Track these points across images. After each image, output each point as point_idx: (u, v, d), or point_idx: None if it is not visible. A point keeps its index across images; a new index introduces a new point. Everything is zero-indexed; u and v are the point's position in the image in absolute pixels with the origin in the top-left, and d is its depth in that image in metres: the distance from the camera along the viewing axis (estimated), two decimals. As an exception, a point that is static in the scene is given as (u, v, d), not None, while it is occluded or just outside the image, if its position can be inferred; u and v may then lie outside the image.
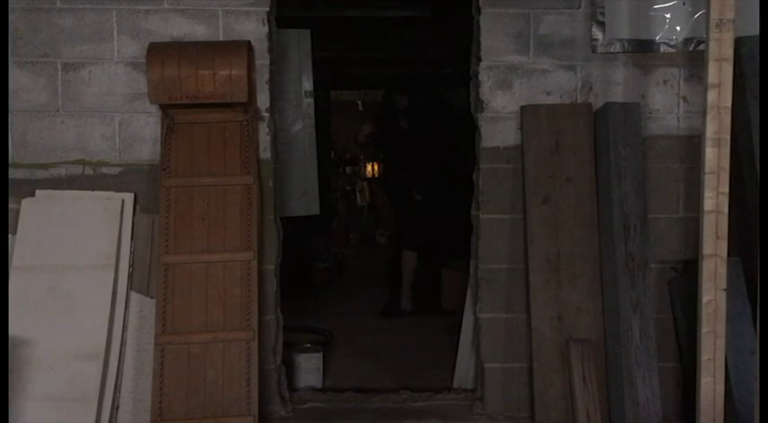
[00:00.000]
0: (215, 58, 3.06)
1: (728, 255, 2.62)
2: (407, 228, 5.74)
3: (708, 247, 2.60)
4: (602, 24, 3.31)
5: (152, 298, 3.15)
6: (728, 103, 2.58)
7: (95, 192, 3.25)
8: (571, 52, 3.35)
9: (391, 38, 6.16)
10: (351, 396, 3.63)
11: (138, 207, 3.28)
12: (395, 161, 5.90)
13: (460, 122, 5.60)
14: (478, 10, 3.38)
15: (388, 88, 5.76)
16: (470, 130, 3.55)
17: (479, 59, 3.38)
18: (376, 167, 5.92)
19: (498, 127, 3.37)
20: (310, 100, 4.42)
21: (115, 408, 3.12)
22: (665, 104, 3.37)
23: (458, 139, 5.56)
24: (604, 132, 3.21)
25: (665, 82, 3.37)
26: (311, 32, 4.38)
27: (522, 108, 3.33)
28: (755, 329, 2.61)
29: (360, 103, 10.42)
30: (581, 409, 3.07)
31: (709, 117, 2.59)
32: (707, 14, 2.61)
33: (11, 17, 3.17)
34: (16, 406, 2.93)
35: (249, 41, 3.21)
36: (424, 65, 7.17)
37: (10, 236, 3.15)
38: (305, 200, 4.44)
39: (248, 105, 3.17)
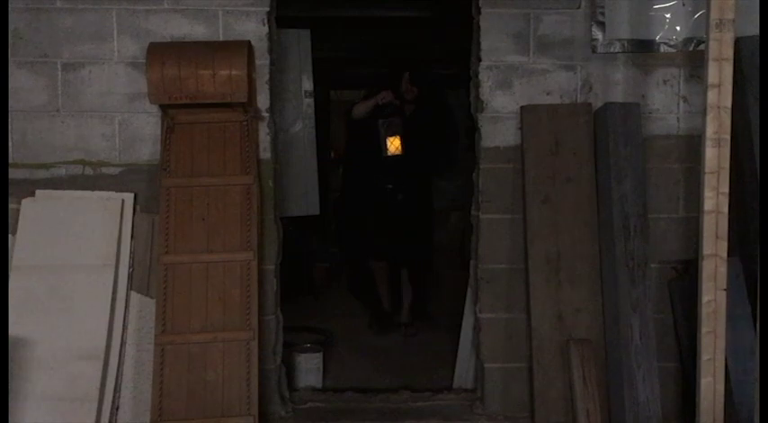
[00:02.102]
0: (215, 58, 3.06)
1: (728, 255, 2.62)
2: (366, 234, 5.16)
3: (708, 247, 2.60)
4: (602, 24, 3.31)
5: (152, 298, 3.15)
6: (728, 103, 2.59)
7: (95, 192, 3.25)
8: (571, 52, 3.35)
9: (391, 38, 6.16)
10: (351, 396, 3.63)
11: (138, 207, 3.27)
12: (359, 151, 5.15)
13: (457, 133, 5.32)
14: (478, 10, 3.38)
15: (401, 70, 4.88)
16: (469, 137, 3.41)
17: (479, 59, 3.38)
18: (398, 143, 4.91)
19: (498, 127, 3.37)
20: (310, 100, 4.42)
21: (115, 408, 3.12)
22: (665, 104, 3.37)
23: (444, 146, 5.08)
24: (604, 132, 3.21)
25: (665, 82, 3.37)
26: (311, 32, 4.39)
27: (522, 108, 3.33)
28: (755, 329, 2.61)
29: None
30: (581, 409, 3.07)
31: (709, 117, 2.59)
32: (707, 14, 2.61)
33: (11, 17, 3.17)
34: (16, 406, 2.93)
35: (249, 41, 3.20)
36: (424, 65, 7.16)
37: (10, 236, 3.16)
38: (305, 200, 4.44)
39: (248, 105, 3.17)
